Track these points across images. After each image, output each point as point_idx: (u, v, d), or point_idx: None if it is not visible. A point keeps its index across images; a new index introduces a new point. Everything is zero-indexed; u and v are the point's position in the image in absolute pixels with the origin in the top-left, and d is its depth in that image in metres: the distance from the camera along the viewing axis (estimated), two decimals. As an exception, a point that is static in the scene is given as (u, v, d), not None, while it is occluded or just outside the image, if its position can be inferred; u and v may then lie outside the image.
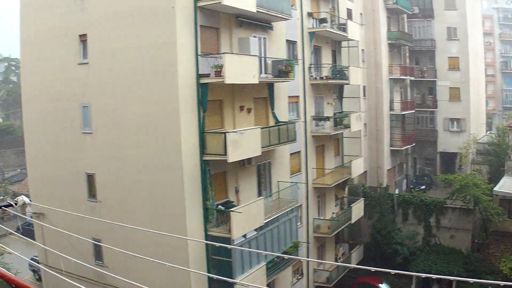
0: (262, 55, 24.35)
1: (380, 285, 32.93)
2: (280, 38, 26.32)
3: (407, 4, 48.19)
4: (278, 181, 26.19)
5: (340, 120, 33.00)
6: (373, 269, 6.69)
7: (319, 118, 31.86)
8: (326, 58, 33.56)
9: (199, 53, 20.33)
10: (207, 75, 20.35)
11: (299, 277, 29.83)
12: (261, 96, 24.94)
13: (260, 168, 25.16)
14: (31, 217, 23.26)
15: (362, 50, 41.98)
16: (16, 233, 22.44)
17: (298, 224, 28.09)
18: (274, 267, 23.48)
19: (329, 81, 32.03)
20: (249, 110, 23.77)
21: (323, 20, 31.30)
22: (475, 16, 53.78)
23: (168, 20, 19.56)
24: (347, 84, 34.03)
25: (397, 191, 44.28)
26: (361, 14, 42.81)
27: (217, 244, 16.00)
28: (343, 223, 32.63)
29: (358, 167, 34.34)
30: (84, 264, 10.18)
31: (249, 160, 22.89)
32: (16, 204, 7.93)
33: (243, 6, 21.30)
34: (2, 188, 51.18)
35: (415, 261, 33.96)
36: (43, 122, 25.26)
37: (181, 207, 19.95)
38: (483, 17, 67.78)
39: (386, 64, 45.07)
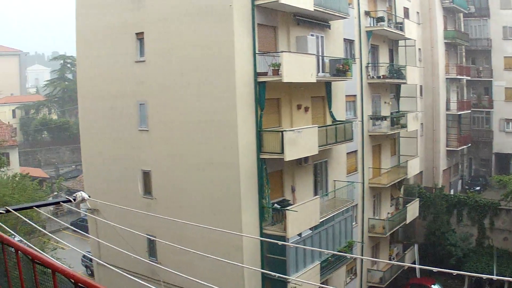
0: (320, 54, 24.17)
1: (432, 286, 32.32)
2: (337, 37, 26.10)
3: (463, 3, 47.39)
4: (334, 180, 26.06)
5: (397, 120, 32.69)
6: (434, 269, 6.43)
7: (376, 117, 31.70)
8: (383, 57, 33.29)
9: (257, 52, 20.22)
10: (265, 74, 20.24)
11: (353, 276, 29.63)
12: (319, 94, 24.77)
13: (317, 167, 25.04)
14: (89, 212, 23.60)
15: (419, 49, 41.52)
16: (73, 227, 22.77)
17: (353, 223, 27.75)
18: (328, 266, 23.28)
19: (386, 81, 31.84)
20: (306, 109, 23.64)
21: (380, 19, 31.07)
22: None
23: (226, 19, 19.51)
24: (404, 83, 33.79)
25: (452, 192, 43.75)
26: (417, 13, 42.27)
27: (273, 241, 15.82)
28: (398, 223, 32.27)
29: (414, 167, 33.89)
30: (139, 258, 10.12)
31: (305, 159, 22.73)
32: (75, 199, 7.87)
33: (300, 5, 21.16)
34: (57, 184, 52.23)
35: (468, 263, 33.82)
36: (99, 119, 25.60)
37: (237, 205, 19.88)
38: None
39: (443, 63, 44.46)
